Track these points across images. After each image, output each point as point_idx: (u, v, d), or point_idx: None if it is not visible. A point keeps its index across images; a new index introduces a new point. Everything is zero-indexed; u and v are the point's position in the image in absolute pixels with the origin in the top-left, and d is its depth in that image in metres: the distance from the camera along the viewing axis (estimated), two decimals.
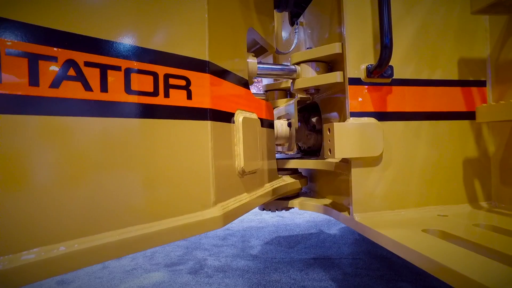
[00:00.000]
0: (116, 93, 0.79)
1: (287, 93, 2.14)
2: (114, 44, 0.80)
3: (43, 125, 0.68)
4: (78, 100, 0.73)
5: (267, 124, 1.54)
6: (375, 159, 1.30)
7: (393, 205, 1.32)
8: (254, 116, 1.32)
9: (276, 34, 2.44)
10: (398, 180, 1.33)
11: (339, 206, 1.54)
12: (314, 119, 1.82)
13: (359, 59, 1.32)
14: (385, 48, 1.21)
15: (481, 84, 1.41)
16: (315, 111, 1.83)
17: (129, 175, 0.82)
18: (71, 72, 0.72)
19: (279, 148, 2.06)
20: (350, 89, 1.29)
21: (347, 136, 1.25)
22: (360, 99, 1.30)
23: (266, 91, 2.19)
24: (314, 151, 1.95)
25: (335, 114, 1.59)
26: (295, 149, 2.03)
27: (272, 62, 2.45)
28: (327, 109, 1.67)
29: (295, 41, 1.92)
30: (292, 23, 2.17)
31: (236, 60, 1.24)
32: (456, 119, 1.39)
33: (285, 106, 1.84)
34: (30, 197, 0.66)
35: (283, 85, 2.09)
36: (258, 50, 1.77)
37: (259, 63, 1.44)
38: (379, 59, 1.22)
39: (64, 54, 0.71)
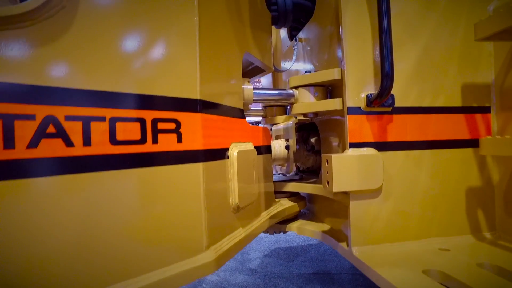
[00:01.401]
0: (100, 145, 0.75)
1: (286, 109, 2.09)
2: (97, 93, 0.75)
3: (21, 190, 0.64)
4: (58, 158, 0.69)
5: (264, 149, 1.50)
6: (375, 190, 1.26)
7: (393, 237, 1.28)
8: (249, 146, 1.28)
9: (275, 50, 2.39)
10: (399, 211, 1.29)
11: (337, 234, 1.50)
12: (313, 140, 1.77)
13: (359, 87, 1.27)
14: (386, 77, 1.16)
15: (485, 110, 1.36)
16: (314, 131, 1.79)
17: (115, 229, 0.79)
18: (51, 128, 0.68)
19: (277, 168, 2.01)
20: (350, 119, 1.25)
21: (346, 169, 1.21)
22: (359, 129, 1.26)
23: (264, 106, 2.14)
24: (313, 170, 1.91)
25: (334, 135, 1.54)
26: (294, 169, 1.99)
27: (269, 86, 2.39)
28: (326, 131, 1.62)
29: (293, 57, 1.87)
30: (291, 37, 2.12)
31: (231, 91, 1.20)
32: (459, 147, 1.34)
33: (284, 125, 1.79)
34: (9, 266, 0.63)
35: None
36: (254, 69, 1.72)
37: (255, 88, 1.40)
38: (379, 89, 1.17)
39: (42, 110, 0.67)
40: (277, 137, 1.93)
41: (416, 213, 1.31)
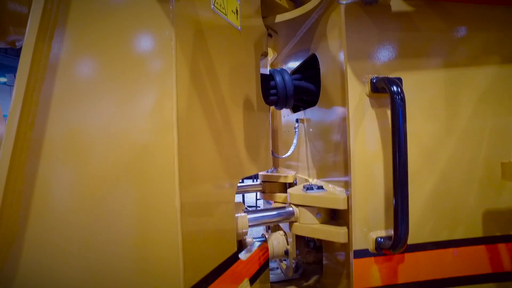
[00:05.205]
0: None
1: (286, 186, 1.95)
2: None
3: None
4: None
5: (262, 268, 1.36)
6: None
7: None
8: (245, 285, 1.14)
9: (273, 117, 2.24)
10: None
11: None
12: None
13: (368, 225, 1.12)
14: (402, 224, 1.02)
15: (509, 239, 1.21)
16: None
17: None
18: None
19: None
20: (356, 264, 1.11)
21: None
22: (366, 272, 1.12)
23: (263, 181, 2.00)
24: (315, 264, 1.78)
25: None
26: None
27: (267, 207, 2.08)
28: None
29: (294, 141, 1.72)
30: (293, 109, 1.97)
31: (221, 246, 1.05)
32: (479, 283, 1.19)
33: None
34: None
35: (282, 180, 1.90)
36: None
37: (250, 212, 1.25)
38: (393, 241, 1.03)
39: None
40: (276, 228, 1.79)
41: None
